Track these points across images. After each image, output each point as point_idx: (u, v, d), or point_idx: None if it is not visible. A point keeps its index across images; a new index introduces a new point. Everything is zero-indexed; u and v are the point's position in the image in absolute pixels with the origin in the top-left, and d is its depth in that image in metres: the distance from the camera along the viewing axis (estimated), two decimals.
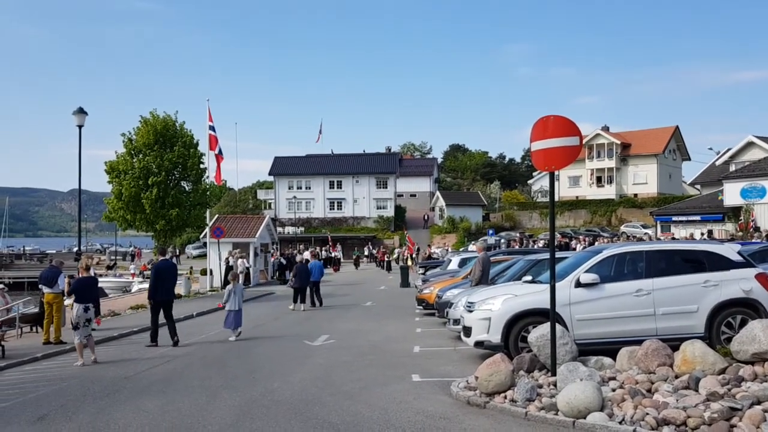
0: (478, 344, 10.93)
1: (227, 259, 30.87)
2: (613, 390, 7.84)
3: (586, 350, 9.75)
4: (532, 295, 10.76)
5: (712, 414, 6.60)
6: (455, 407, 8.12)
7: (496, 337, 10.58)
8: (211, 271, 32.47)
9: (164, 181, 26.29)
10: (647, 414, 6.88)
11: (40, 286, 15.74)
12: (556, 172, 9.46)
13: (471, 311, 11.22)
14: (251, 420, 7.87)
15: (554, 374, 8.47)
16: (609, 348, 9.87)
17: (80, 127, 21.05)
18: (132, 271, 52.29)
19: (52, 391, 10.05)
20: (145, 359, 12.84)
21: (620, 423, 6.88)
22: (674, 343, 9.03)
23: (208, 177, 29.47)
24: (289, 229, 69.18)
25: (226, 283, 30.21)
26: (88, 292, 12.78)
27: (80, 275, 13.37)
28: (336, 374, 10.60)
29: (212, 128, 32.46)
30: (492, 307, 10.80)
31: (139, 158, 26.31)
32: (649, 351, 8.56)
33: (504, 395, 8.16)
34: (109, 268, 57.88)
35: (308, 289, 23.51)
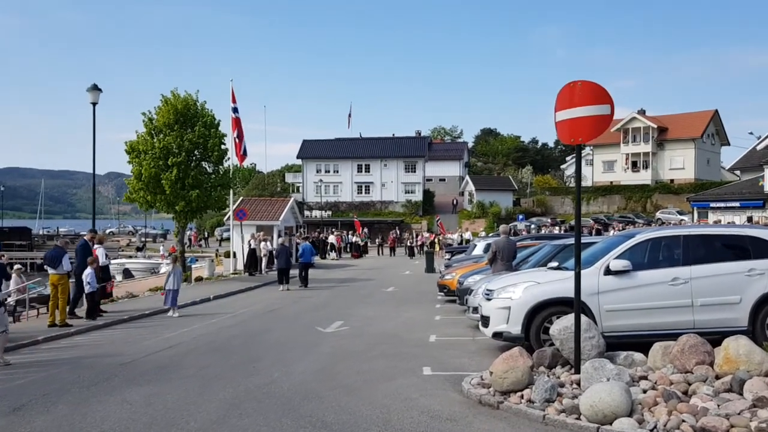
0: (497, 335, 10.07)
1: (250, 241, 30.36)
2: (645, 391, 6.93)
3: (614, 344, 8.84)
4: (556, 282, 9.83)
5: (760, 423, 5.68)
6: (465, 407, 7.28)
7: (515, 328, 9.72)
8: (234, 254, 32.02)
9: (184, 161, 25.67)
10: (683, 421, 5.98)
11: (45, 267, 15.34)
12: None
13: (489, 299, 10.34)
14: (239, 416, 7.14)
15: (578, 372, 7.58)
16: (640, 342, 8.96)
17: (94, 104, 20.56)
18: (161, 253, 52.77)
19: (41, 377, 9.48)
20: (147, 344, 12.26)
21: (651, 431, 6.00)
22: (714, 337, 8.12)
23: (229, 158, 28.85)
24: (317, 213, 68.70)
25: (249, 266, 30.05)
26: None
27: None
28: (341, 365, 9.84)
29: (235, 110, 31.90)
30: (512, 295, 9.91)
31: (160, 138, 25.73)
32: (686, 347, 7.60)
33: (520, 394, 7.29)
34: (138, 249, 58.62)
35: (301, 270, 24.09)
